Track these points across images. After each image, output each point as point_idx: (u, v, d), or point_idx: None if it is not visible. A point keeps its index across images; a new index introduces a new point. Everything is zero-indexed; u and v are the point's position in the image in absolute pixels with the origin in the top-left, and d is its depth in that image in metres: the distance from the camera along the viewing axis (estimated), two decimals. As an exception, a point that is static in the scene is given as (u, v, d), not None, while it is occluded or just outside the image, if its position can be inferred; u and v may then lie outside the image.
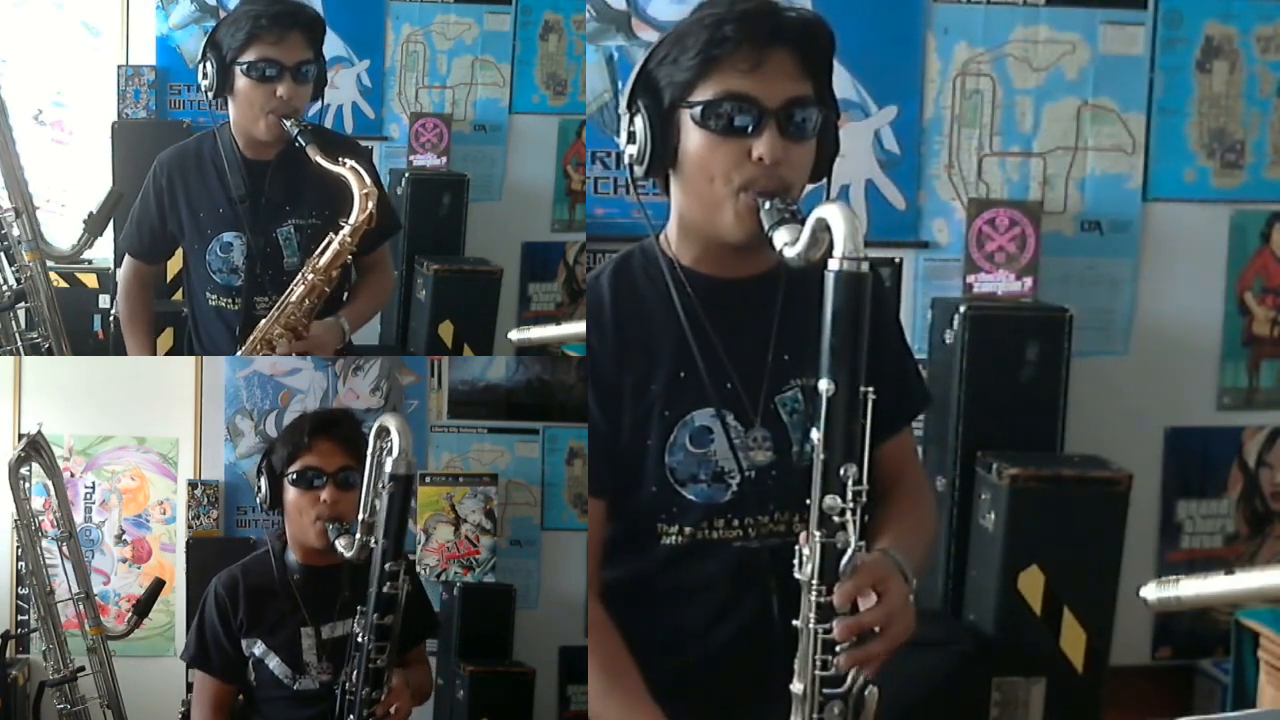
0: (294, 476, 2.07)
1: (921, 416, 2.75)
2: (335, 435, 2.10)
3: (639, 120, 1.52)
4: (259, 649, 2.08)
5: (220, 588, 2.11)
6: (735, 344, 1.58)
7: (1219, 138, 3.33)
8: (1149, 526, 3.36)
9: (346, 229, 2.26)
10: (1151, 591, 1.79)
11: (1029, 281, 3.18)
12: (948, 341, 3.09)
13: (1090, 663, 2.88)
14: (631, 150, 1.54)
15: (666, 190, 1.60)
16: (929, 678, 2.68)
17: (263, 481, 2.12)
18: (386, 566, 1.87)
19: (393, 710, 1.96)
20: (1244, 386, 3.39)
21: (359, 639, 1.92)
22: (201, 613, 2.13)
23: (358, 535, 1.93)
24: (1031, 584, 2.86)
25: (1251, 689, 2.75)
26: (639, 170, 1.54)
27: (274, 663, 2.08)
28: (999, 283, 3.18)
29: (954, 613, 3.04)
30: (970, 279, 3.19)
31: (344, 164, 2.25)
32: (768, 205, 1.45)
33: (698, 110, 1.48)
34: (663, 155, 1.52)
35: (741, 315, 1.59)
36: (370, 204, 2.24)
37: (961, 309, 3.05)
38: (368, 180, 2.25)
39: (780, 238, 1.40)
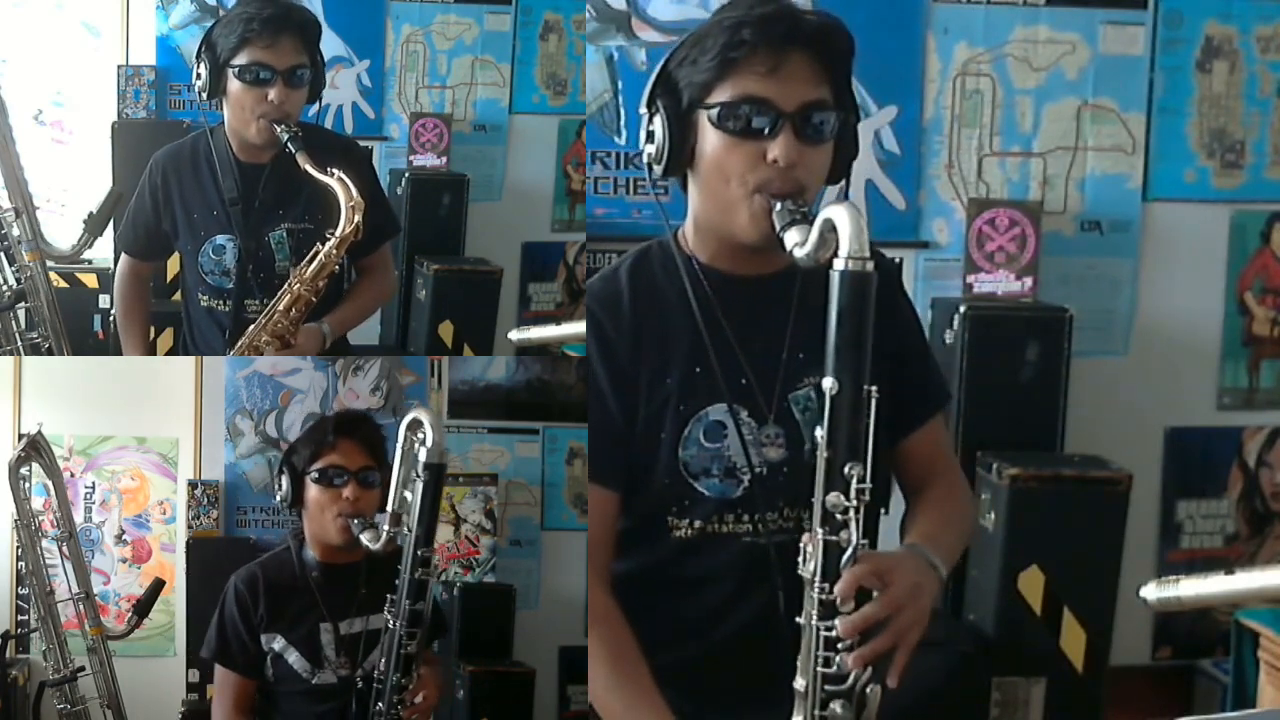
0: (316, 474, 2.11)
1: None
2: (357, 436, 2.15)
3: (658, 120, 1.54)
4: (278, 644, 2.12)
5: (240, 584, 2.15)
6: (751, 341, 1.59)
7: (1219, 138, 3.33)
8: (1149, 526, 3.36)
9: (333, 241, 2.25)
10: (1151, 591, 1.79)
11: (1029, 281, 3.18)
12: (948, 341, 3.09)
13: (1090, 663, 2.88)
14: (650, 150, 1.56)
15: (685, 189, 1.61)
16: (929, 678, 2.66)
17: (284, 480, 2.16)
18: (419, 553, 1.92)
19: (420, 698, 2.00)
20: (1244, 386, 3.39)
21: (389, 624, 1.96)
22: (222, 608, 2.16)
23: (385, 528, 1.98)
24: (1031, 584, 2.86)
25: (1251, 689, 2.74)
26: (657, 170, 1.55)
27: (293, 657, 2.11)
28: (999, 283, 3.18)
29: (954, 613, 3.04)
30: (970, 279, 3.19)
31: (332, 174, 2.23)
32: (779, 207, 1.46)
33: (715, 112, 1.50)
34: (680, 155, 1.54)
35: (758, 312, 1.61)
36: (357, 216, 2.23)
37: (961, 309, 3.05)
38: (354, 192, 2.23)
39: (791, 239, 1.42)
